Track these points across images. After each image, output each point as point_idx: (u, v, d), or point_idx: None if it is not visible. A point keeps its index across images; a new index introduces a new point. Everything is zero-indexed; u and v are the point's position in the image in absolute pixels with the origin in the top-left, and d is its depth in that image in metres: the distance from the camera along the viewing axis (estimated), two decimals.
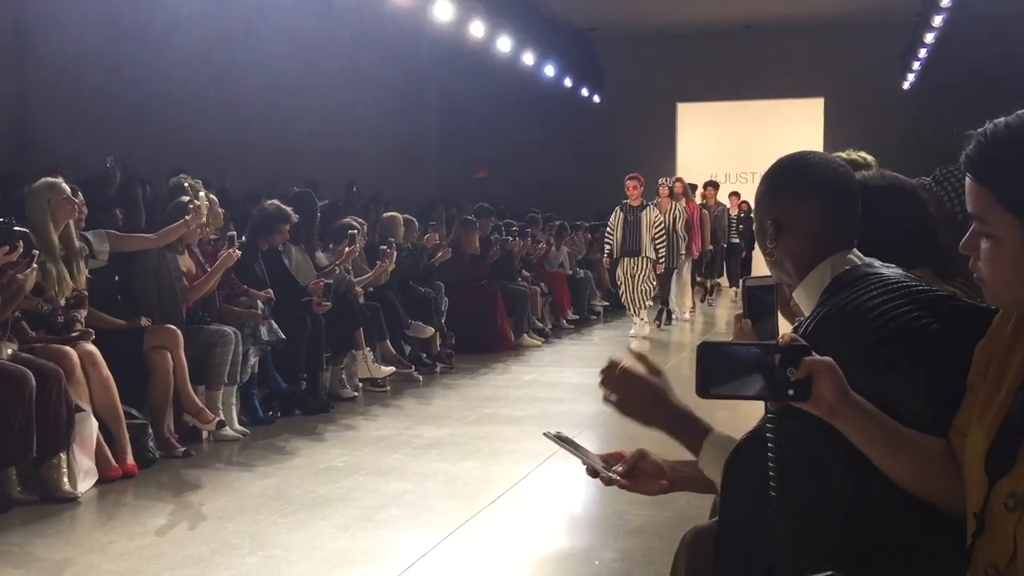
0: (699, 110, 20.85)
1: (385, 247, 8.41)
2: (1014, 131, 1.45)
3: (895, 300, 1.75)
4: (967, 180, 1.51)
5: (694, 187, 15.09)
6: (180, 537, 4.34)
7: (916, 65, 18.14)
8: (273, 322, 6.66)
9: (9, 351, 4.83)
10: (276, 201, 7.37)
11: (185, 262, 6.29)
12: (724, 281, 16.80)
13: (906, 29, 17.06)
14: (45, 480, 4.79)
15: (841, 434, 1.64)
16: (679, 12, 17.79)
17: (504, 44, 14.16)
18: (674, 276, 12.81)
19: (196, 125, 11.14)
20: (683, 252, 12.76)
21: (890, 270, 1.85)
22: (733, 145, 20.16)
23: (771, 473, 1.81)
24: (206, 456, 5.85)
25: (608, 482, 2.11)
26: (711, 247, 14.72)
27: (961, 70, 17.25)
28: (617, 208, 11.68)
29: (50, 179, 5.49)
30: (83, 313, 5.45)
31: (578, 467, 2.18)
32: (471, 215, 11.19)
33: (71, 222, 5.43)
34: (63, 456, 4.82)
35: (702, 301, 15.23)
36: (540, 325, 11.69)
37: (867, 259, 1.90)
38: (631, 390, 2.08)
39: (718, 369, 1.60)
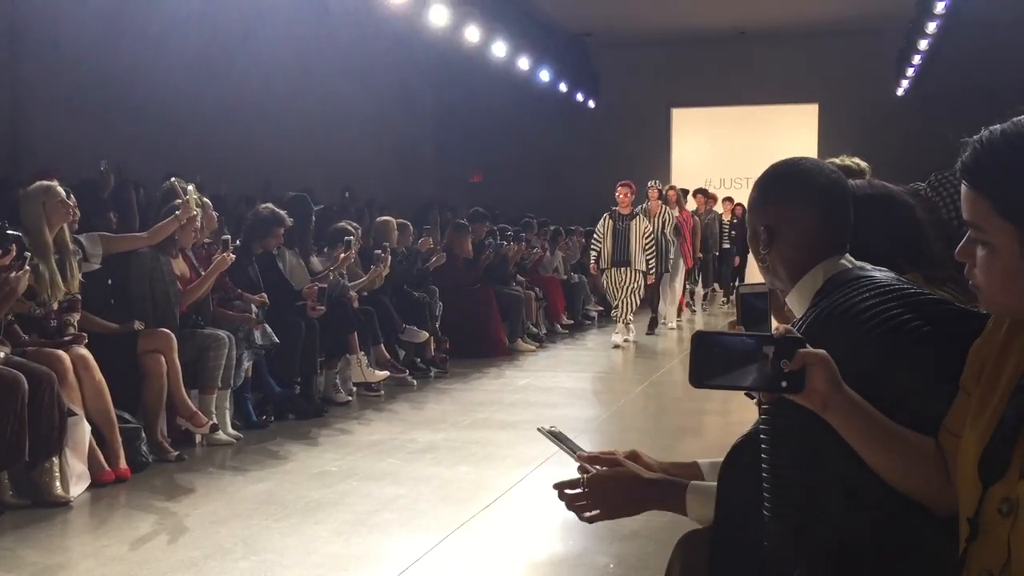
0: (694, 115, 20.88)
1: (380, 251, 8.41)
2: (1010, 139, 1.45)
3: (887, 302, 1.76)
4: (963, 187, 1.51)
5: (686, 192, 15.08)
6: (173, 542, 4.33)
7: (910, 71, 18.18)
8: (267, 326, 6.65)
9: (1, 355, 4.81)
10: (271, 205, 7.37)
11: (179, 266, 6.28)
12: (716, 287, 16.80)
13: (900, 35, 17.11)
14: (37, 484, 4.77)
15: (835, 435, 1.65)
16: (674, 17, 17.81)
17: (499, 49, 14.16)
18: (665, 282, 12.67)
19: (191, 129, 11.13)
20: (671, 256, 12.53)
21: (882, 273, 1.86)
22: (728, 150, 20.19)
23: (765, 475, 1.81)
24: (199, 460, 5.84)
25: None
26: (701, 255, 14.66)
27: (955, 77, 17.30)
28: (606, 215, 11.35)
29: (45, 182, 5.48)
30: (76, 317, 5.44)
31: (573, 472, 2.18)
32: (464, 219, 11.19)
33: (64, 225, 5.42)
34: (55, 460, 4.80)
35: (692, 310, 15.18)
36: (535, 330, 11.68)
37: (859, 263, 1.91)
38: (607, 494, 2.08)
39: (712, 360, 1.60)
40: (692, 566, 2.10)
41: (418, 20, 12.07)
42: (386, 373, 8.04)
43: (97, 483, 5.09)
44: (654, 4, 16.69)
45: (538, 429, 2.17)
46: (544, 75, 16.94)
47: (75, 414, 5.00)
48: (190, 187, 6.20)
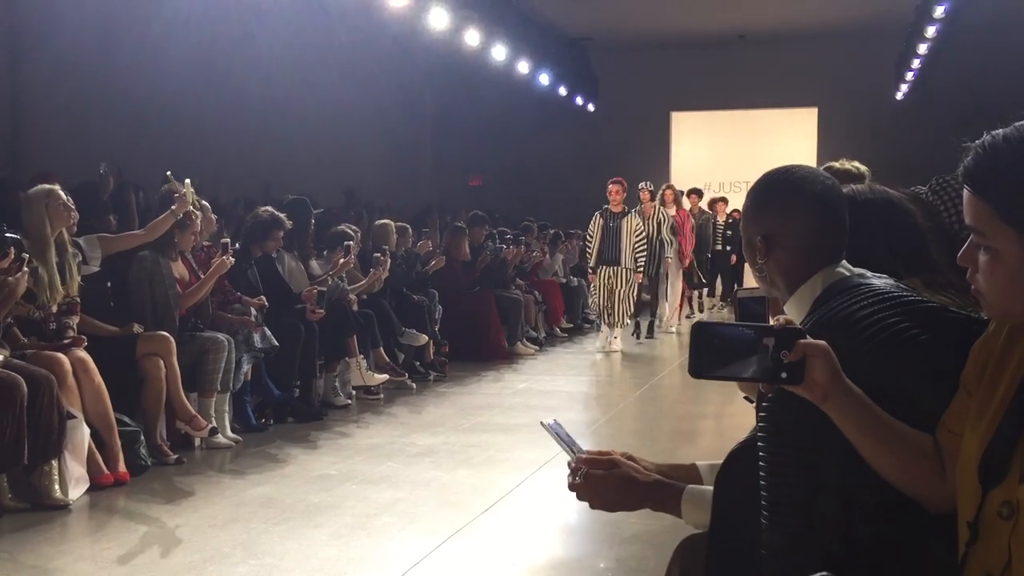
0: (693, 119, 20.87)
1: (379, 255, 8.40)
2: (1013, 143, 1.45)
3: (886, 310, 1.75)
4: (965, 192, 1.51)
5: (683, 193, 15.04)
6: (172, 545, 4.32)
7: (909, 75, 18.19)
8: (266, 329, 6.64)
9: (0, 357, 4.81)
10: (270, 208, 7.37)
11: (178, 269, 6.28)
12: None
13: (899, 40, 17.11)
14: (36, 487, 4.77)
15: (833, 441, 1.65)
16: (673, 22, 17.82)
17: (499, 53, 14.17)
18: (665, 283, 12.59)
19: (191, 132, 11.12)
20: (669, 256, 12.41)
21: (881, 280, 1.86)
22: (727, 154, 20.18)
23: (763, 483, 1.81)
24: (198, 464, 5.83)
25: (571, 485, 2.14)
26: (690, 257, 14.57)
27: (955, 81, 17.31)
28: (597, 214, 11.14)
29: (47, 185, 5.48)
30: (75, 320, 5.44)
31: None
32: (462, 223, 11.18)
33: (64, 228, 5.41)
34: (54, 463, 4.80)
35: (689, 315, 15.13)
36: (534, 333, 11.69)
37: (857, 270, 1.90)
38: (603, 492, 2.11)
39: (712, 351, 1.59)
40: (691, 570, 2.10)
41: (418, 23, 12.08)
42: (385, 376, 8.04)
43: (96, 486, 5.08)
44: (654, 8, 16.70)
45: (541, 423, 2.18)
46: (544, 79, 16.94)
47: (74, 417, 4.99)
48: (186, 180, 6.18)
